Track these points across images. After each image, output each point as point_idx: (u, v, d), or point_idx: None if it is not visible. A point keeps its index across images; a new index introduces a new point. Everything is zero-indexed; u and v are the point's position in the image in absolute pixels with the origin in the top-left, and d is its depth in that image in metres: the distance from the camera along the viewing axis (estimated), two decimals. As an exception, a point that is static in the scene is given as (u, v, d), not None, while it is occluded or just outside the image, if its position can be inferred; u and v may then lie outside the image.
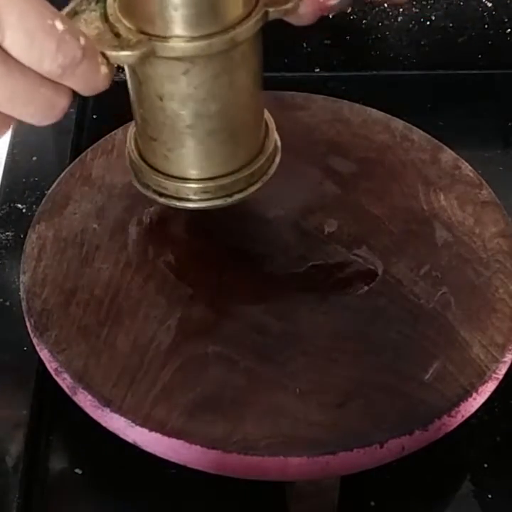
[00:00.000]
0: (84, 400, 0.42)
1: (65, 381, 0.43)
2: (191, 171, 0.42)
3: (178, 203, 0.43)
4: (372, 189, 0.52)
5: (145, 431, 0.40)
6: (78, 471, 0.46)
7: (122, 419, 0.41)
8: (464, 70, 0.69)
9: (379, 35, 0.68)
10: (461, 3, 0.66)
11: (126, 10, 0.37)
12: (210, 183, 0.42)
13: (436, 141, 0.55)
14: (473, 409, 0.43)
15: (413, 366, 0.43)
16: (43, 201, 0.51)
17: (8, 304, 0.50)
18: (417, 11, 0.67)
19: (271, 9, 0.38)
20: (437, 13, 0.67)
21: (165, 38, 0.37)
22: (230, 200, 0.43)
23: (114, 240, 0.48)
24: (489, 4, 0.66)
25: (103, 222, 0.49)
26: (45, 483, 0.45)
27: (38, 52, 0.32)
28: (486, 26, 0.67)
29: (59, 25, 0.32)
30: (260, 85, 0.42)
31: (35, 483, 0.45)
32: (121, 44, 0.36)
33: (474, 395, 0.42)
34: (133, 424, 0.40)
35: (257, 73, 0.41)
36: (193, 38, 0.37)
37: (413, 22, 0.67)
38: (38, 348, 0.44)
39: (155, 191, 0.43)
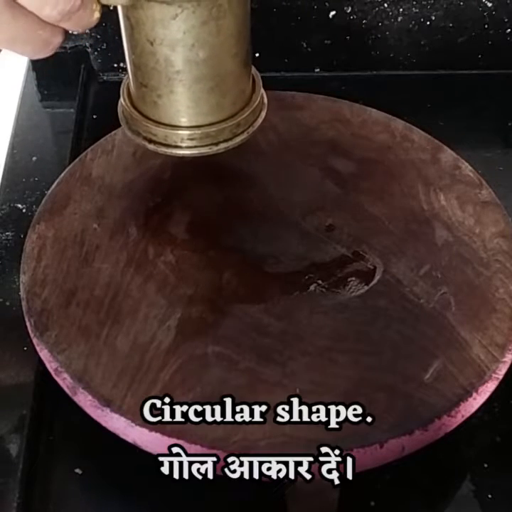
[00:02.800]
0: (84, 400, 0.42)
1: (65, 381, 0.43)
2: (179, 118, 0.43)
3: (166, 150, 0.44)
4: (372, 189, 0.52)
5: (145, 431, 0.40)
6: (78, 471, 0.45)
7: (122, 419, 0.41)
8: (464, 70, 0.69)
9: (379, 35, 0.68)
10: (461, 3, 0.66)
11: None
12: (197, 131, 0.43)
13: (436, 141, 0.55)
14: (473, 409, 0.43)
15: (413, 366, 0.43)
16: (43, 201, 0.51)
17: (8, 303, 0.50)
18: (417, 11, 0.67)
19: None
20: (437, 13, 0.67)
21: None
22: (215, 148, 0.44)
23: (114, 239, 0.48)
24: (489, 4, 0.66)
25: (103, 222, 0.49)
26: (45, 483, 0.45)
27: (40, 0, 0.35)
28: (486, 26, 0.67)
29: None
30: (248, 37, 0.43)
31: (35, 483, 0.45)
32: None
33: (474, 395, 0.42)
34: (133, 424, 0.40)
35: (243, 23, 0.42)
36: None
37: (413, 22, 0.67)
38: (38, 348, 0.44)
39: (145, 138, 0.44)
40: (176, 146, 0.44)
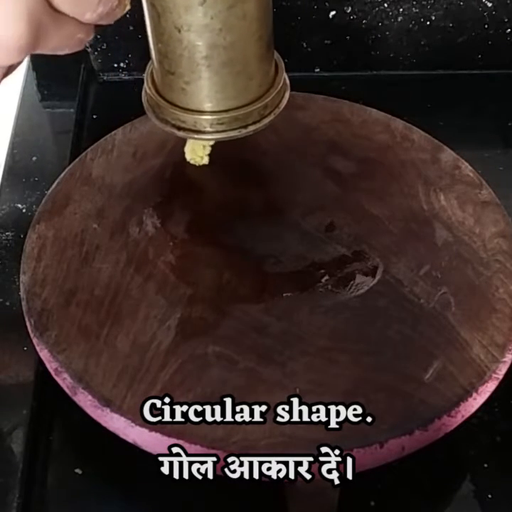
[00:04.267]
0: (84, 400, 0.42)
1: (65, 381, 0.43)
2: (207, 103, 0.43)
3: (195, 136, 0.44)
4: (372, 189, 0.52)
5: (145, 431, 0.40)
6: (78, 471, 0.45)
7: (122, 419, 0.41)
8: (464, 70, 0.69)
9: (379, 35, 0.68)
10: (461, 3, 0.66)
11: None
12: (226, 115, 0.43)
13: (436, 141, 0.55)
14: (473, 409, 0.43)
15: (413, 366, 0.43)
16: (43, 201, 0.51)
17: (8, 303, 0.50)
18: (417, 11, 0.67)
19: None
20: (437, 13, 0.67)
21: None
22: (244, 131, 0.44)
23: (114, 239, 0.48)
24: (489, 4, 0.66)
25: (103, 222, 0.49)
26: (45, 483, 0.45)
27: (82, 8, 0.36)
28: (486, 26, 0.67)
29: None
30: (271, 20, 0.43)
31: (35, 483, 0.45)
32: None
33: (474, 395, 0.42)
34: (133, 424, 0.40)
35: (267, 5, 0.42)
36: None
37: (413, 22, 0.67)
38: (38, 348, 0.44)
39: (173, 125, 0.44)
40: (205, 132, 0.44)
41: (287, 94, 0.46)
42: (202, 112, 0.43)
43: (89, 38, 0.38)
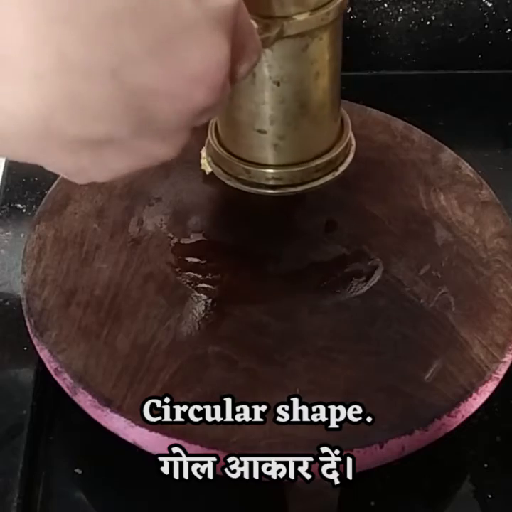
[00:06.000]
0: (84, 400, 0.42)
1: (65, 381, 0.43)
2: (305, 152, 0.43)
3: (297, 189, 0.44)
4: (372, 189, 0.52)
5: (145, 431, 0.40)
6: (78, 471, 0.46)
7: (122, 419, 0.41)
8: (464, 70, 0.69)
9: (379, 35, 0.68)
10: (461, 3, 0.66)
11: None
12: (319, 161, 0.44)
13: (436, 141, 0.55)
14: (473, 409, 0.42)
15: (413, 366, 0.43)
16: (43, 201, 0.51)
17: (8, 304, 0.50)
18: (417, 11, 0.67)
19: None
20: (437, 13, 0.67)
21: (290, 17, 0.38)
22: (336, 173, 0.45)
23: (114, 239, 0.48)
24: (489, 4, 0.66)
25: (103, 222, 0.49)
26: (45, 483, 0.45)
27: (246, 71, 0.31)
28: (486, 26, 0.67)
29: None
30: None
31: (35, 483, 0.45)
32: (259, 29, 0.37)
33: (474, 395, 0.42)
34: (133, 424, 0.40)
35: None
36: (314, 10, 0.39)
37: (413, 22, 0.67)
38: (38, 348, 0.44)
39: (267, 186, 0.44)
40: (304, 183, 0.44)
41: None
42: (298, 164, 0.43)
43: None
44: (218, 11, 0.27)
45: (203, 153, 0.49)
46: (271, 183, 0.44)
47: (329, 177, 0.45)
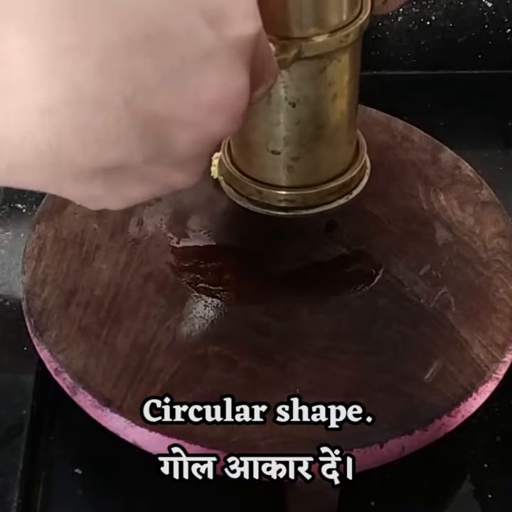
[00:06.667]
0: (84, 400, 0.42)
1: (65, 381, 0.43)
2: (318, 174, 0.43)
3: (310, 211, 0.44)
4: (372, 189, 0.52)
5: (145, 431, 0.40)
6: (78, 471, 0.46)
7: (122, 419, 0.41)
8: (464, 70, 0.69)
9: (379, 35, 0.68)
10: (461, 3, 0.66)
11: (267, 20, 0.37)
12: (333, 184, 0.44)
13: (436, 141, 0.55)
14: (473, 409, 0.42)
15: (413, 366, 0.43)
16: (43, 201, 0.51)
17: (8, 304, 0.50)
18: (417, 11, 0.67)
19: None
20: (437, 13, 0.67)
21: (308, 38, 0.37)
22: (351, 197, 0.45)
23: (114, 239, 0.48)
24: (489, 4, 0.66)
25: (103, 222, 0.49)
26: (45, 483, 0.45)
27: (262, 94, 0.31)
28: (486, 26, 0.67)
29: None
30: None
31: (35, 483, 0.45)
32: (276, 50, 0.36)
33: (474, 395, 0.42)
34: (133, 424, 0.40)
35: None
36: (333, 32, 0.38)
37: (413, 22, 0.67)
38: (38, 348, 0.44)
39: (280, 208, 0.44)
40: (319, 205, 0.44)
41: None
42: (312, 186, 0.43)
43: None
44: (239, 40, 0.26)
45: (214, 160, 0.49)
46: (283, 205, 0.44)
47: (343, 200, 0.45)
